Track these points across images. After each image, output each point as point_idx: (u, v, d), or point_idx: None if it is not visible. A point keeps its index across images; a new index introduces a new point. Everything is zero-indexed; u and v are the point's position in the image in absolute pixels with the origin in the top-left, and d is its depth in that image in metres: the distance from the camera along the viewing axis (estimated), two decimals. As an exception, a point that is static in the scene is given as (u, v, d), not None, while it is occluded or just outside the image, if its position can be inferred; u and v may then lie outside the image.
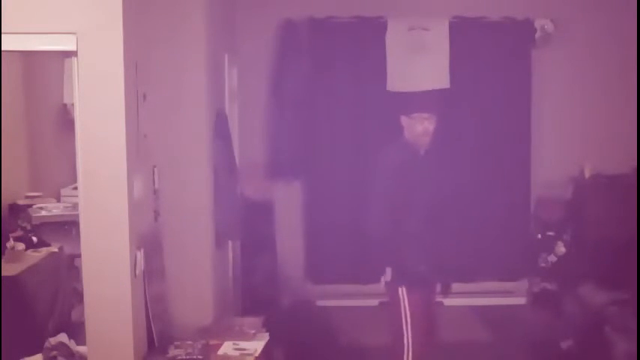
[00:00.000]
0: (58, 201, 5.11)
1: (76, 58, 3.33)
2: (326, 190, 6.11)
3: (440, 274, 4.15)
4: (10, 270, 4.04)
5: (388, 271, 3.93)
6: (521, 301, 6.20)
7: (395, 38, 6.00)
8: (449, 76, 6.02)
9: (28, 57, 4.81)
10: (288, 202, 6.18)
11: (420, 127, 3.94)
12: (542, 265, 6.03)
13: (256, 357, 3.76)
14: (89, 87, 3.34)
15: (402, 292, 3.92)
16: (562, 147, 6.13)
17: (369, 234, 4.08)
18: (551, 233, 6.01)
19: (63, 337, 3.68)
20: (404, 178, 3.87)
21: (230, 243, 5.17)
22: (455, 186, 6.00)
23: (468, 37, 6.03)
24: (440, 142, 5.95)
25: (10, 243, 4.39)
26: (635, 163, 5.83)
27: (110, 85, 3.34)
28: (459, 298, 6.13)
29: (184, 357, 3.65)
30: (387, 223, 3.86)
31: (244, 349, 3.82)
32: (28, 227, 4.68)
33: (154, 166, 4.01)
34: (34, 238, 4.54)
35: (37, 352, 3.66)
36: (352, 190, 6.02)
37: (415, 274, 3.91)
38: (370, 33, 6.01)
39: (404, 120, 3.99)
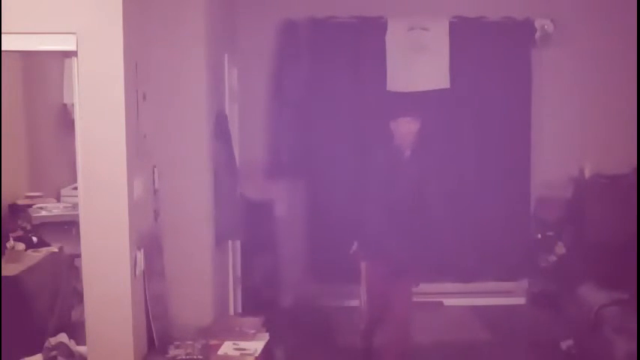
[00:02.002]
0: (58, 201, 5.10)
1: (76, 58, 3.33)
2: (326, 190, 6.11)
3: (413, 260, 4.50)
4: (10, 270, 4.03)
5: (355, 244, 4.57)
6: (521, 301, 6.20)
7: (395, 38, 6.00)
8: (449, 76, 6.02)
9: (28, 57, 4.80)
10: (288, 202, 6.18)
11: (403, 128, 4.43)
12: (542, 265, 6.03)
13: (256, 357, 3.76)
14: (89, 87, 3.34)
15: (363, 266, 4.55)
16: (562, 147, 6.14)
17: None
18: (551, 233, 6.02)
19: (63, 337, 3.68)
20: (390, 176, 4.44)
21: (230, 243, 5.17)
22: (453, 186, 6.04)
23: (468, 37, 6.03)
24: (439, 142, 6.02)
25: (10, 243, 4.38)
26: (635, 163, 5.83)
27: (110, 85, 3.34)
28: (459, 298, 6.16)
29: (184, 357, 3.65)
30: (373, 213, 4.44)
31: (244, 349, 3.82)
32: (28, 227, 4.67)
33: (154, 166, 4.01)
34: (34, 238, 4.53)
35: (37, 352, 3.65)
36: (352, 189, 6.01)
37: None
38: (370, 33, 6.01)
39: (392, 124, 4.47)
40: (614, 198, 5.76)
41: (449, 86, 6.03)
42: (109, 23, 3.31)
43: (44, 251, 4.45)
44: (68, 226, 4.54)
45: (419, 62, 6.01)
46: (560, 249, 5.96)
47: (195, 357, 3.65)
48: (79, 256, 3.47)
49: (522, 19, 6.04)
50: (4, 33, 3.25)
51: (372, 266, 4.53)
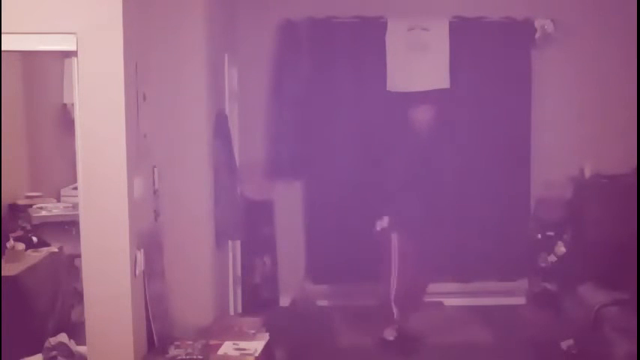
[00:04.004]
0: (58, 201, 5.10)
1: (76, 58, 3.33)
2: (326, 190, 6.11)
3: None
4: (10, 270, 4.04)
5: (385, 218, 5.09)
6: (521, 301, 6.20)
7: (395, 38, 6.00)
8: (449, 76, 6.02)
9: (28, 57, 4.80)
10: (288, 202, 6.18)
11: (420, 115, 5.26)
12: (542, 265, 6.03)
13: (256, 357, 3.76)
14: (89, 87, 3.34)
15: (394, 237, 5.06)
16: (562, 147, 6.13)
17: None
18: (551, 233, 6.01)
19: (63, 337, 3.68)
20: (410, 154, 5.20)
21: (230, 243, 5.17)
22: (453, 185, 6.05)
23: (468, 37, 6.03)
24: (439, 142, 6.02)
25: (10, 243, 4.38)
26: (635, 163, 5.83)
27: (110, 85, 3.34)
28: (459, 298, 6.16)
29: (184, 357, 3.65)
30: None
31: (244, 349, 3.82)
32: (28, 227, 4.67)
33: (154, 166, 4.02)
34: (34, 238, 4.53)
35: (37, 352, 3.65)
36: (352, 190, 6.02)
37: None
38: (370, 33, 6.01)
39: (410, 111, 5.28)
40: (614, 198, 5.75)
41: (449, 86, 6.02)
42: (109, 23, 3.31)
43: (44, 251, 4.45)
44: (68, 226, 4.54)
45: (419, 62, 6.01)
46: (560, 249, 5.96)
47: (195, 357, 3.65)
48: (79, 256, 3.47)
49: (522, 19, 6.04)
50: (4, 33, 3.25)
51: (404, 238, 5.08)
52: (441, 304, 6.16)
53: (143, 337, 3.68)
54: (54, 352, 3.61)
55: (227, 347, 3.84)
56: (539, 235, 6.06)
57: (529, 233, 6.15)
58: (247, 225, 5.27)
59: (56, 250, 4.52)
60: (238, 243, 5.57)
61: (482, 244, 6.15)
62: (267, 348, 3.93)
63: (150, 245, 3.84)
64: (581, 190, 6.00)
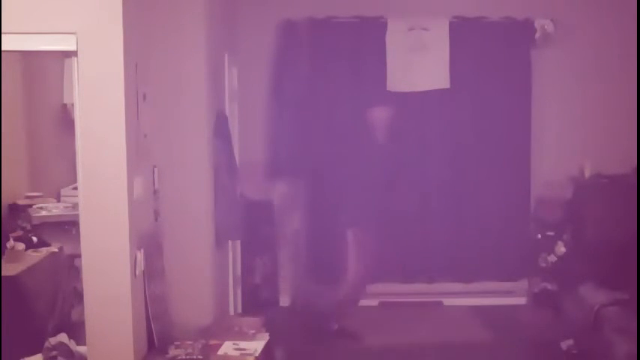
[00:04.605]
0: (58, 201, 5.10)
1: (76, 58, 3.33)
2: (326, 190, 6.10)
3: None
4: (10, 270, 4.03)
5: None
6: (521, 301, 6.20)
7: (395, 38, 6.00)
8: (449, 76, 6.02)
9: (28, 57, 4.80)
10: (288, 202, 6.17)
11: (376, 116, 5.35)
12: (542, 265, 6.03)
13: (256, 357, 3.76)
14: (89, 87, 3.34)
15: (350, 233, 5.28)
16: (562, 147, 6.13)
17: None
18: (551, 233, 6.01)
19: (63, 337, 3.68)
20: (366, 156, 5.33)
21: (230, 243, 5.17)
22: (453, 186, 6.05)
23: (468, 37, 6.03)
24: (439, 142, 6.03)
25: (10, 243, 4.37)
26: (635, 163, 5.83)
27: (110, 85, 3.34)
28: (459, 298, 6.16)
29: (184, 357, 3.65)
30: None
31: (244, 349, 3.82)
32: (28, 227, 4.66)
33: (154, 166, 4.02)
34: (34, 238, 4.53)
35: (37, 352, 3.65)
36: (352, 189, 6.01)
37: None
38: (370, 33, 6.01)
39: (367, 112, 5.39)
40: (614, 198, 5.75)
41: (449, 86, 6.02)
42: (109, 23, 3.32)
43: (44, 251, 4.45)
44: (68, 226, 4.54)
45: (419, 62, 6.01)
46: (560, 249, 5.96)
47: (195, 357, 3.65)
48: (79, 256, 3.47)
49: (522, 19, 6.04)
50: (4, 33, 3.25)
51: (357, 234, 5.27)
52: (440, 304, 6.16)
53: (143, 337, 3.68)
54: (54, 352, 3.60)
55: (227, 347, 3.85)
56: (539, 235, 6.06)
57: (529, 233, 6.15)
58: (247, 225, 5.27)
59: (56, 250, 4.52)
60: (238, 243, 5.57)
61: (482, 245, 6.15)
62: (267, 348, 3.93)
63: (150, 245, 3.84)
64: (581, 190, 6.00)
